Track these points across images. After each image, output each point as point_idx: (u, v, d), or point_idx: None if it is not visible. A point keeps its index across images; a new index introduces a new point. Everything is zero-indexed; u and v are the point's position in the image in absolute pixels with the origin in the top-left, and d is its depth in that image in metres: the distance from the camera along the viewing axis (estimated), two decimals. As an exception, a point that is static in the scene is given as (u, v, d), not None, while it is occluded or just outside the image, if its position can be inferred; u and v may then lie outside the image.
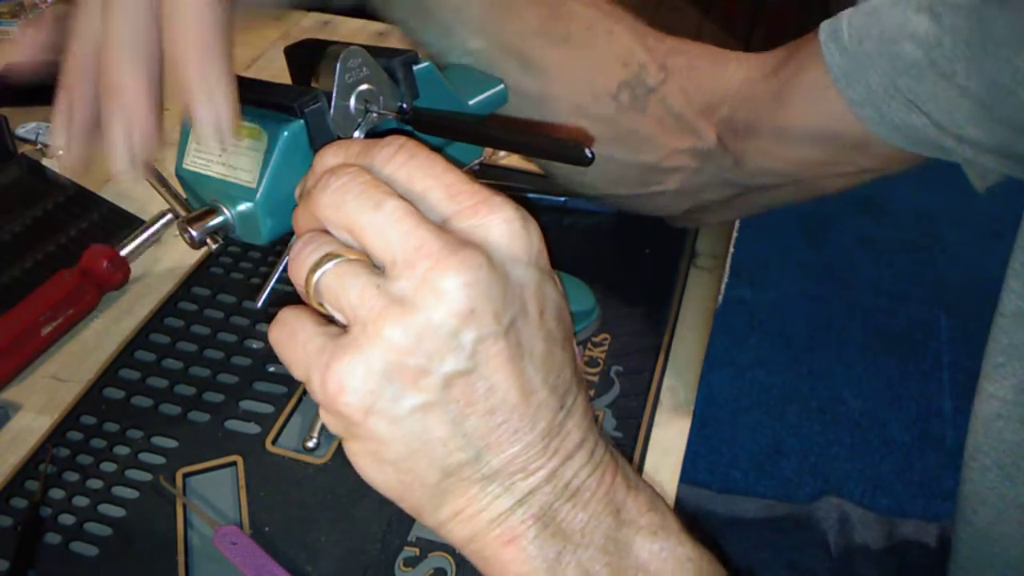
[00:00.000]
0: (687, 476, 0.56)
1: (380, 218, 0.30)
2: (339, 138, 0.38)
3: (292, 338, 0.32)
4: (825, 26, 0.51)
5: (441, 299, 0.29)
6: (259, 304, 0.40)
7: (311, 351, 0.31)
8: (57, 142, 0.34)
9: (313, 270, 0.31)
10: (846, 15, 0.50)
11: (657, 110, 0.52)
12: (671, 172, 0.55)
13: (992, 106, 0.46)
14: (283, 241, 0.37)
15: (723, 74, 0.54)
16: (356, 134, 0.38)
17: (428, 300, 0.29)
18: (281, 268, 0.38)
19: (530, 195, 0.73)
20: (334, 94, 0.37)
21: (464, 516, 0.33)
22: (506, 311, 0.30)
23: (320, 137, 0.37)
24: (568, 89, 0.51)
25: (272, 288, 0.40)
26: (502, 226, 0.30)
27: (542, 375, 0.32)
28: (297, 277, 0.32)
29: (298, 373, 0.32)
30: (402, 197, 0.30)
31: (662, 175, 0.55)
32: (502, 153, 0.80)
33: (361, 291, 0.30)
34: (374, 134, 0.38)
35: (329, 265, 0.31)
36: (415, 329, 0.29)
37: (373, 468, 0.33)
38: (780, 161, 0.54)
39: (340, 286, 0.30)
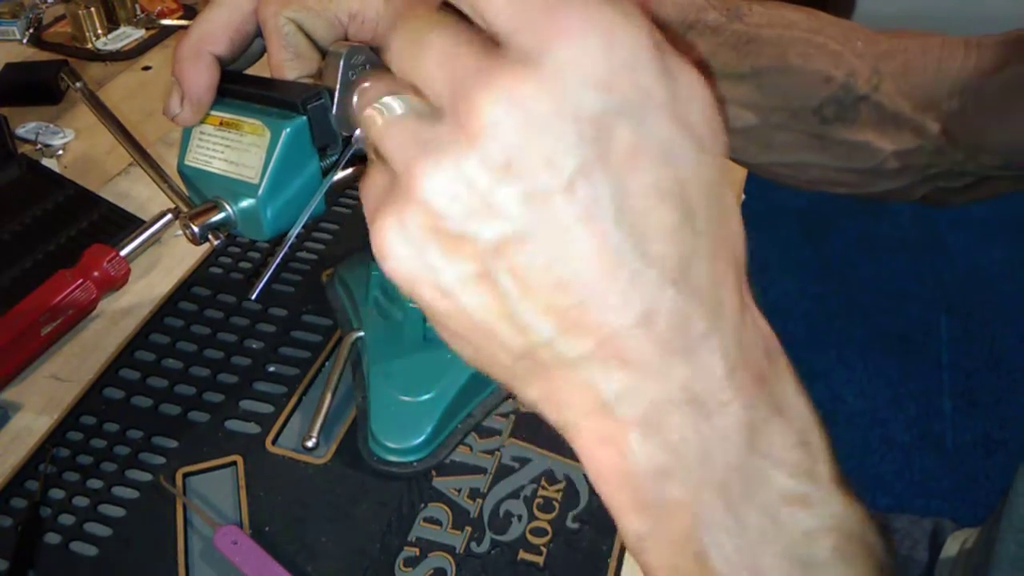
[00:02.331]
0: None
1: (423, 54, 0.25)
2: (342, 136, 0.38)
3: (362, 187, 0.28)
4: None
5: (472, 145, 0.23)
6: (253, 296, 0.40)
7: (367, 206, 0.28)
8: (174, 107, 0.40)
9: (362, 108, 0.27)
10: None
11: (871, 116, 0.51)
12: (894, 173, 0.53)
13: None
14: (282, 241, 0.37)
15: (950, 67, 0.51)
16: (358, 133, 0.38)
17: (458, 147, 0.23)
18: (277, 262, 0.38)
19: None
20: (337, 91, 0.37)
21: (552, 403, 0.27)
22: (568, 155, 0.23)
23: (322, 134, 0.37)
24: (763, 115, 0.50)
25: (267, 281, 0.40)
26: (572, 45, 0.23)
27: (635, 240, 0.24)
28: (357, 120, 0.29)
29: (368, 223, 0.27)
30: (456, 21, 0.25)
31: (888, 176, 0.54)
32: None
33: (400, 136, 0.25)
34: None
35: (376, 109, 0.27)
36: (446, 176, 0.24)
37: (448, 338, 0.28)
38: (1017, 156, 0.51)
39: (386, 132, 0.26)
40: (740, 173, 0.79)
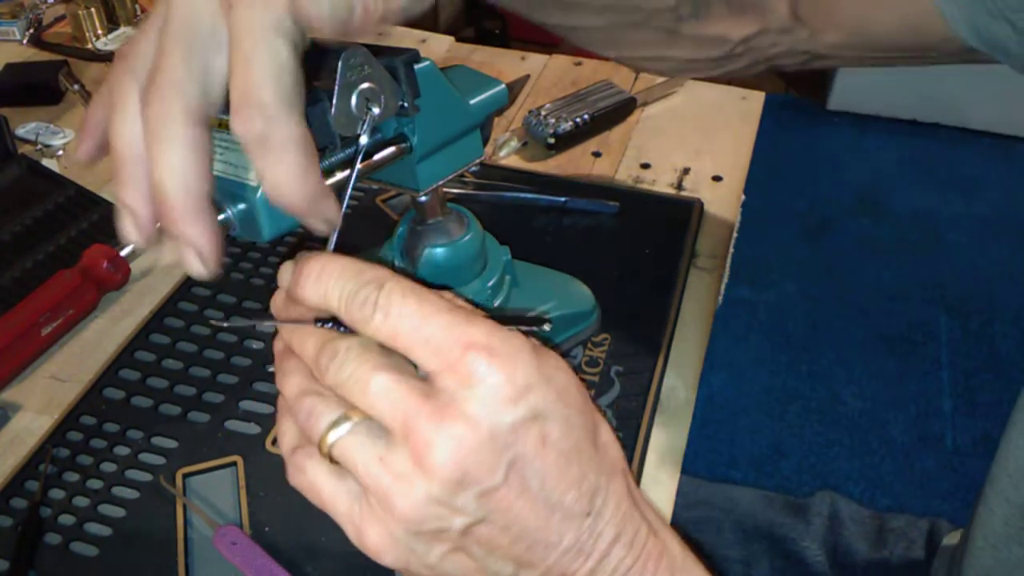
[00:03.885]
0: (687, 475, 0.56)
1: (369, 398, 0.32)
2: (341, 137, 0.38)
3: (315, 491, 0.35)
4: None
5: (433, 474, 0.31)
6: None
7: (340, 510, 0.34)
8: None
9: (326, 433, 0.33)
10: None
11: (720, 9, 0.52)
12: (742, 55, 0.54)
13: None
14: (283, 241, 0.37)
15: None
16: (360, 133, 0.38)
17: (424, 475, 0.31)
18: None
19: (530, 195, 0.73)
20: (336, 93, 0.37)
21: None
22: (500, 461, 0.32)
23: (322, 136, 0.37)
24: (623, 15, 0.50)
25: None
26: (482, 383, 0.32)
27: (558, 494, 0.33)
28: (310, 435, 0.34)
29: (337, 520, 0.35)
30: (388, 357, 0.33)
31: (733, 59, 0.54)
32: (503, 152, 0.80)
33: (367, 463, 0.33)
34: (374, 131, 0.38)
35: (339, 432, 0.33)
36: (420, 501, 0.32)
37: None
38: (860, 40, 0.53)
39: (350, 454, 0.33)
40: (741, 176, 0.79)
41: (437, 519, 0.32)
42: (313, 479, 0.35)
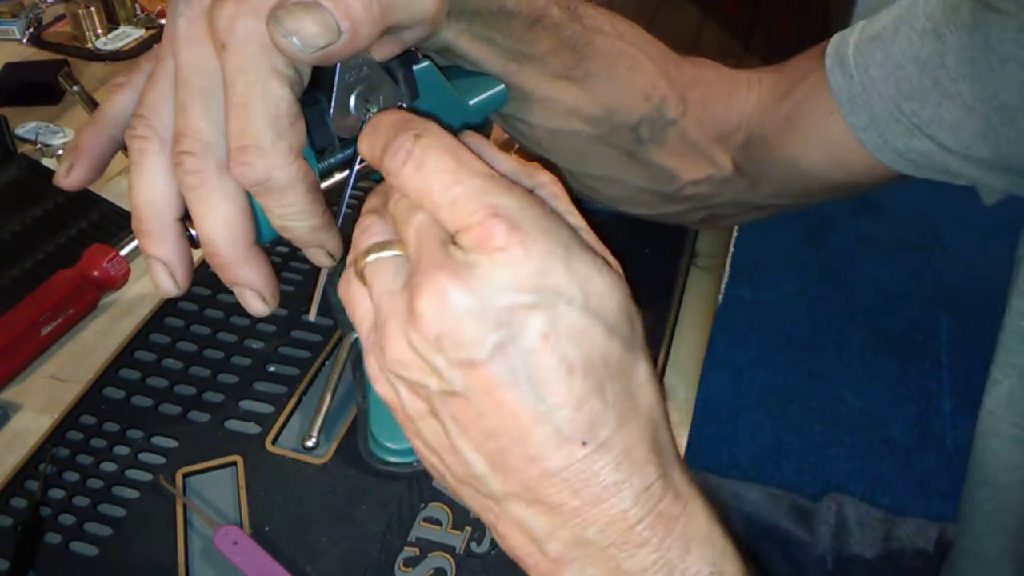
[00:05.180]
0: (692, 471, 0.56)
1: (406, 233, 0.31)
2: (339, 138, 0.38)
3: (350, 305, 0.34)
4: (831, 51, 0.51)
5: (416, 323, 0.30)
6: (312, 317, 0.42)
7: (362, 331, 0.34)
8: (169, 288, 0.37)
9: (364, 253, 0.33)
10: (851, 41, 0.50)
11: (676, 142, 0.52)
12: (687, 199, 0.55)
13: (999, 123, 0.46)
14: (283, 241, 0.37)
15: (738, 101, 0.54)
16: (359, 134, 0.38)
17: (411, 321, 0.30)
18: (324, 277, 0.39)
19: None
20: (334, 93, 0.37)
21: (499, 534, 0.32)
22: (486, 336, 0.29)
23: (320, 136, 0.37)
24: (586, 124, 0.49)
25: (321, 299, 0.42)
26: (494, 253, 0.29)
27: (549, 403, 0.29)
28: (356, 250, 0.34)
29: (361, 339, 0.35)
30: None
31: (678, 201, 0.55)
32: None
33: (380, 294, 0.32)
34: None
35: (373, 256, 0.33)
36: (402, 346, 0.31)
37: (417, 451, 0.35)
38: (792, 184, 0.55)
39: (372, 281, 0.32)
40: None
41: (417, 370, 0.30)
42: (350, 294, 0.34)
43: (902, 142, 0.49)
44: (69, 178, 0.38)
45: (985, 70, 0.45)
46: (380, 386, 0.33)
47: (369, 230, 0.33)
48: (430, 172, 0.30)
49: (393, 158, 0.31)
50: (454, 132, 0.33)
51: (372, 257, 0.32)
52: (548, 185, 0.33)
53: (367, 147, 0.33)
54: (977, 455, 0.51)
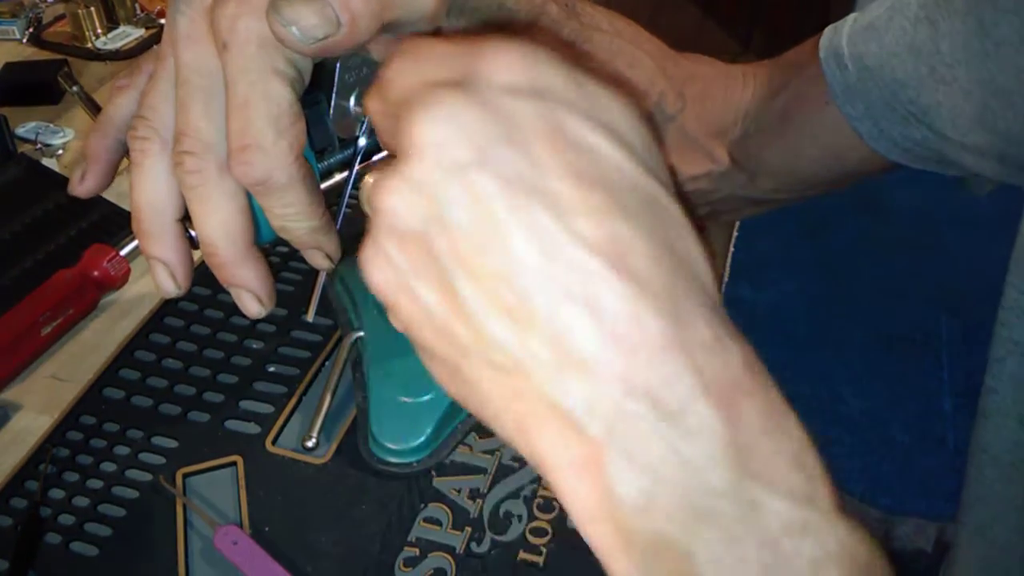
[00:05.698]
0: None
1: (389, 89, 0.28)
2: (339, 138, 0.38)
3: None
4: (825, 43, 0.51)
5: (410, 157, 0.25)
6: (310, 318, 0.42)
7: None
8: (171, 288, 0.37)
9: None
10: (845, 33, 0.50)
11: (674, 138, 0.52)
12: (687, 194, 0.55)
13: (996, 108, 0.46)
14: (283, 241, 0.37)
15: (734, 96, 0.54)
16: (358, 135, 0.38)
17: (403, 163, 0.26)
18: (323, 280, 0.39)
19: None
20: (333, 93, 0.37)
21: (526, 432, 0.26)
22: (480, 137, 0.24)
23: (319, 137, 0.37)
24: None
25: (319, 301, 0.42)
26: (488, 54, 0.25)
27: (562, 222, 0.24)
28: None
29: None
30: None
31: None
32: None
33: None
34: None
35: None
36: (389, 187, 0.26)
37: (427, 361, 0.30)
38: (790, 177, 0.55)
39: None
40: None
41: (404, 207, 0.25)
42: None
43: (898, 131, 0.49)
44: (83, 186, 0.38)
45: (980, 54, 0.45)
46: (373, 264, 0.27)
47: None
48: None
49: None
50: None
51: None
52: None
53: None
54: (982, 435, 0.51)
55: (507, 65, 0.25)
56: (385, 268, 0.27)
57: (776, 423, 0.26)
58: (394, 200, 0.25)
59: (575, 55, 0.30)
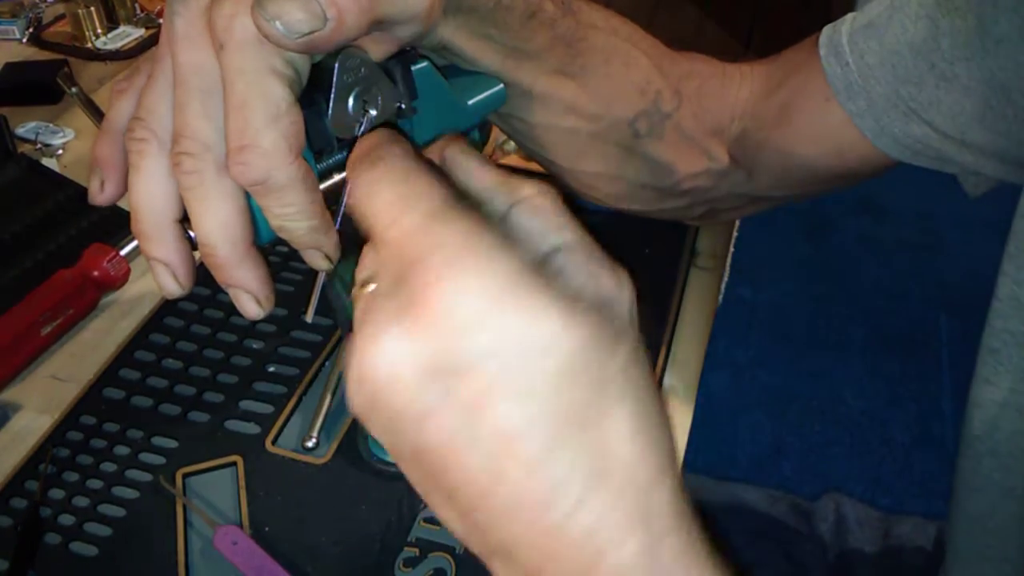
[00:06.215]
0: (689, 474, 0.56)
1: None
2: (337, 139, 0.38)
3: None
4: (824, 40, 0.51)
5: (353, 385, 0.28)
6: (309, 320, 0.41)
7: None
8: (173, 289, 0.36)
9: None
10: (845, 30, 0.50)
11: (672, 136, 0.52)
12: (685, 194, 0.55)
13: (996, 106, 0.46)
14: (282, 241, 0.37)
15: (731, 93, 0.54)
16: (357, 135, 0.38)
17: (352, 383, 0.29)
18: (322, 282, 0.39)
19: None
20: (332, 95, 0.37)
21: None
22: (421, 394, 0.27)
23: (318, 138, 0.37)
24: (584, 120, 0.50)
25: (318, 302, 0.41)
26: (423, 304, 0.27)
27: (499, 469, 0.26)
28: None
29: None
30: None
31: (677, 196, 0.55)
32: (502, 152, 0.80)
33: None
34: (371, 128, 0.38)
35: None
36: (361, 406, 0.29)
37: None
38: (789, 175, 0.55)
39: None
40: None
41: (380, 423, 0.28)
42: None
43: (899, 128, 0.49)
44: (104, 195, 0.38)
45: (980, 51, 0.45)
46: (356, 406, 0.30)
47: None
48: (376, 204, 0.29)
49: (356, 190, 0.31)
50: (456, 134, 0.33)
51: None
52: (532, 199, 0.31)
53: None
54: (975, 426, 0.51)
55: (438, 318, 0.27)
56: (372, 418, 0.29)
57: None
58: (366, 413, 0.28)
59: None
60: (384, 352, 0.26)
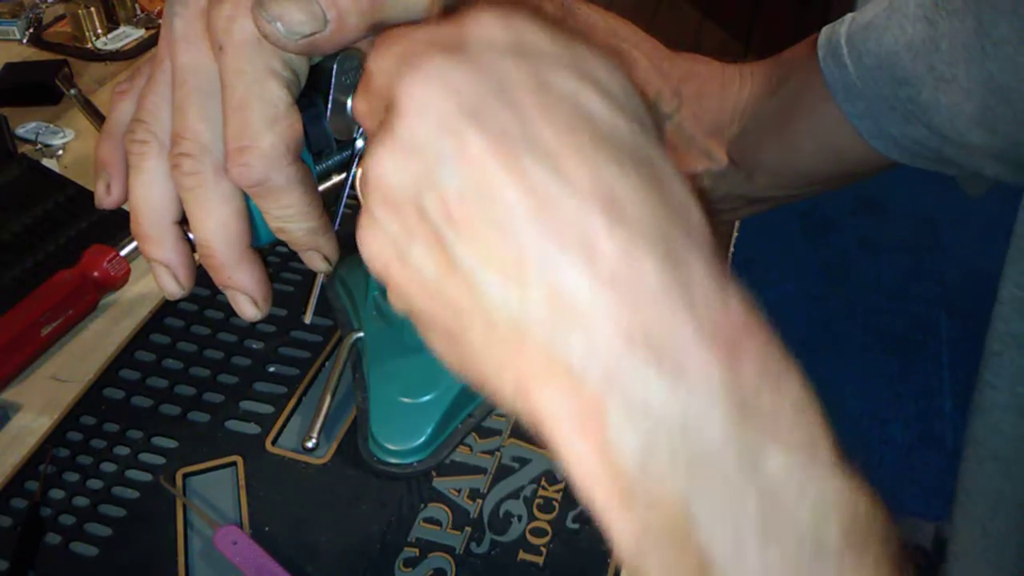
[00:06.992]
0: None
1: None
2: (336, 140, 0.38)
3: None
4: (823, 42, 0.51)
5: (394, 124, 0.26)
6: (308, 320, 0.41)
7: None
8: (174, 290, 0.37)
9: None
10: (843, 32, 0.50)
11: (672, 136, 0.53)
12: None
13: (994, 108, 0.46)
14: (282, 242, 0.37)
15: (731, 94, 0.54)
16: (356, 136, 0.38)
17: (386, 119, 0.27)
18: (320, 284, 0.39)
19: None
20: (331, 96, 0.37)
21: (526, 391, 0.25)
22: (462, 96, 0.25)
23: (316, 138, 0.37)
24: None
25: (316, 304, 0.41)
26: (474, 23, 0.26)
27: (552, 170, 0.24)
28: None
29: None
30: None
31: None
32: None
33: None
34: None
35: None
36: (380, 158, 0.26)
37: (423, 329, 0.29)
38: (788, 175, 0.55)
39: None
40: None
41: (395, 172, 0.26)
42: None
43: (897, 129, 0.49)
44: (111, 198, 0.38)
45: (979, 54, 0.45)
46: (364, 241, 0.28)
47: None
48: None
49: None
50: None
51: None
52: None
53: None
54: (979, 430, 0.51)
55: (490, 27, 0.26)
56: (378, 238, 0.27)
57: (777, 372, 0.25)
58: (384, 166, 0.26)
59: (555, 19, 0.30)
60: (419, 66, 0.26)
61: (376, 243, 0.27)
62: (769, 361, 0.25)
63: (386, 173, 0.26)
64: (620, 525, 0.24)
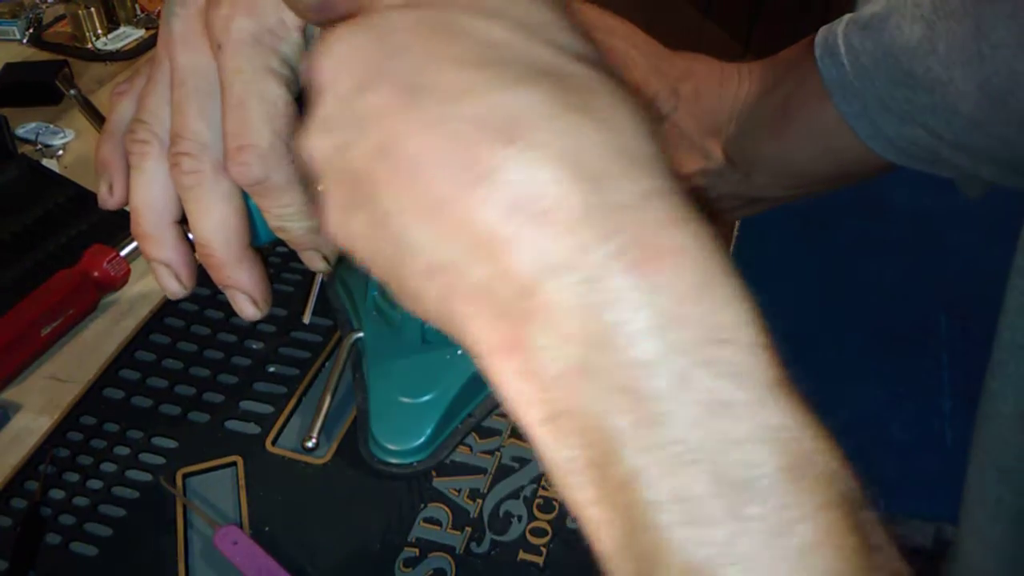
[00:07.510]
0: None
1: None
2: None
3: None
4: (820, 41, 0.51)
5: (323, 89, 0.26)
6: (307, 320, 0.41)
7: None
8: (176, 290, 0.37)
9: None
10: (840, 31, 0.50)
11: (669, 136, 0.52)
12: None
13: (991, 110, 0.46)
14: (282, 242, 0.37)
15: (729, 93, 0.54)
16: None
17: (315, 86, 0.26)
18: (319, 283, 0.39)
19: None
20: None
21: (462, 329, 0.25)
22: (361, 61, 0.25)
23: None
24: None
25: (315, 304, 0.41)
26: None
27: (460, 109, 0.23)
28: None
29: None
30: None
31: None
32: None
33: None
34: None
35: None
36: (314, 119, 0.26)
37: (361, 254, 0.28)
38: (785, 175, 0.55)
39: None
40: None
41: (322, 127, 0.26)
42: None
43: (893, 130, 0.49)
44: (114, 198, 0.38)
45: (976, 56, 0.45)
46: (323, 216, 0.27)
47: None
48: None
49: None
50: None
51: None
52: None
53: None
54: (984, 439, 0.51)
55: None
56: (332, 215, 0.27)
57: (711, 290, 0.23)
58: (310, 144, 0.26)
59: None
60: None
61: (331, 221, 0.27)
62: (704, 278, 0.23)
63: (312, 152, 0.26)
64: (548, 451, 0.24)
